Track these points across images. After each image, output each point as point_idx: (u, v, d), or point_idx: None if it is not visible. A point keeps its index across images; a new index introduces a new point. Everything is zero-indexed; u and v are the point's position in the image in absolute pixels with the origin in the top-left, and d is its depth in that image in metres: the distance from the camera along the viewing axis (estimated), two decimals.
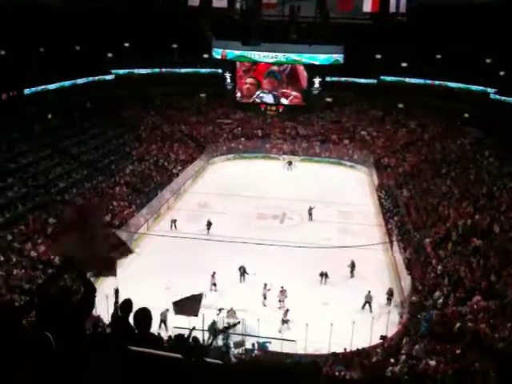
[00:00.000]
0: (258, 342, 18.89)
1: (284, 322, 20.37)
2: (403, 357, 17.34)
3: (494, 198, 28.27)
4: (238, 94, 50.08)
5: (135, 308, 4.50)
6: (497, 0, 37.71)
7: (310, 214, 31.80)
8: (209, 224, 29.40)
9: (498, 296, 19.55)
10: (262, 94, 50.38)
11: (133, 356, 2.92)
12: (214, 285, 23.21)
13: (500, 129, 38.41)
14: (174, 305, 18.66)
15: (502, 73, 42.04)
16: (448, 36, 40.82)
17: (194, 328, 11.30)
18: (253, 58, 47.90)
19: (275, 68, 49.10)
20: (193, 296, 18.94)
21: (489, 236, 24.32)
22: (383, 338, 19.60)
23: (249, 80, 49.84)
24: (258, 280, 23.09)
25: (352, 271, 24.79)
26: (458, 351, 16.87)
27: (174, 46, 49.99)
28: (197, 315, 18.61)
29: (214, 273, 23.23)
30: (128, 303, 4.73)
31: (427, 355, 17.25)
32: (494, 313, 18.43)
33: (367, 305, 22.07)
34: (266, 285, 22.35)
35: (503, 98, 41.23)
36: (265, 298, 22.26)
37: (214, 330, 18.97)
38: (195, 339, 15.42)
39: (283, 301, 22.00)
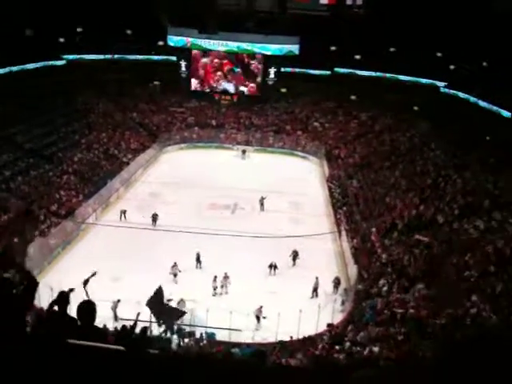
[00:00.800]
0: (206, 332, 18.98)
1: (258, 318, 20.23)
2: (348, 344, 17.80)
3: (439, 189, 29.22)
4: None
5: (82, 299, 4.49)
6: None
7: (262, 205, 31.99)
8: (154, 216, 28.73)
9: (440, 284, 20.30)
10: (224, 84, 50.58)
11: (72, 349, 2.89)
12: (175, 275, 22.92)
13: (449, 122, 39.67)
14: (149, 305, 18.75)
15: (452, 67, 43.28)
16: (401, 29, 41.75)
17: (137, 319, 11.24)
18: (204, 45, 47.72)
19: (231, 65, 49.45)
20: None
21: (433, 226, 25.18)
22: (330, 325, 20.01)
23: (218, 73, 50.00)
24: (208, 270, 23.21)
25: (294, 260, 25.05)
26: (400, 337, 17.45)
27: (129, 31, 48.98)
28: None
29: (175, 263, 22.98)
30: (64, 296, 4.68)
31: (371, 342, 17.77)
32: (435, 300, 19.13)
33: (315, 292, 22.52)
34: (215, 277, 22.46)
35: (453, 91, 42.56)
36: (214, 289, 22.35)
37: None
38: (143, 330, 15.35)
39: (225, 286, 22.31)
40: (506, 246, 20.34)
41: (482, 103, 37.05)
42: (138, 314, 13.68)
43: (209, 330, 19.16)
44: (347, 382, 3.14)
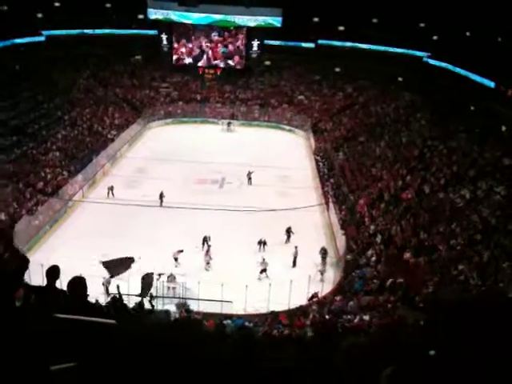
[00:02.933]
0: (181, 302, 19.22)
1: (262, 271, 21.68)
2: (339, 312, 18.11)
3: (425, 159, 29.47)
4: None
5: (72, 275, 4.52)
6: None
7: (250, 179, 31.98)
8: (161, 196, 28.12)
9: (427, 252, 20.65)
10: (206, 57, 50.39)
11: (61, 324, 2.89)
12: (175, 259, 22.25)
13: (432, 93, 39.79)
14: (103, 264, 19.35)
15: (435, 37, 43.20)
16: (383, 0, 41.42)
17: (119, 291, 11.33)
18: (185, 18, 47.02)
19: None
20: (124, 259, 19.37)
21: (419, 196, 25.46)
22: (313, 296, 20.17)
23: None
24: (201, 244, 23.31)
25: (288, 237, 25.00)
26: (389, 306, 17.79)
27: (108, 5, 47.92)
28: (123, 271, 19.27)
29: (181, 250, 22.25)
30: (54, 269, 4.69)
31: (361, 310, 18.11)
32: (423, 269, 19.48)
33: (295, 261, 22.80)
34: (207, 251, 22.61)
35: (436, 62, 42.54)
36: (207, 263, 22.44)
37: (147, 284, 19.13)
38: (140, 304, 15.49)
39: (209, 258, 22.47)
40: (492, 215, 20.70)
41: (465, 73, 37.13)
42: (118, 287, 13.70)
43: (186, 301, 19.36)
44: (339, 348, 3.22)
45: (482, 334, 2.98)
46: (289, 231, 24.94)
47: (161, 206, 27.95)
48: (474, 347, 2.90)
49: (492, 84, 33.50)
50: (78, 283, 4.44)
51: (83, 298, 4.43)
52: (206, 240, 23.59)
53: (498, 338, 2.90)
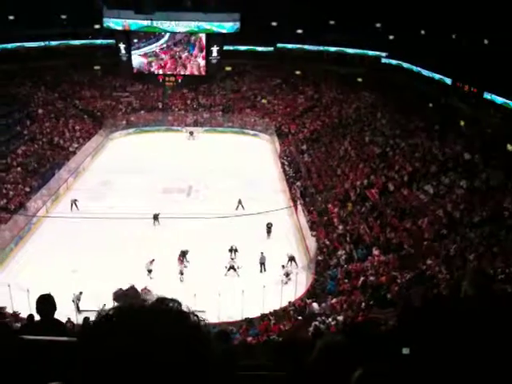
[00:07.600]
0: None
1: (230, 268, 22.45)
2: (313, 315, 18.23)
3: (388, 158, 30.00)
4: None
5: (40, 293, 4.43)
6: None
7: (241, 204, 29.32)
8: (156, 217, 27.06)
9: (395, 249, 21.01)
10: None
11: (26, 345, 2.83)
12: (149, 271, 21.90)
13: (391, 92, 40.56)
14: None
15: (391, 37, 43.97)
16: (339, 2, 41.99)
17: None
18: (142, 27, 46.70)
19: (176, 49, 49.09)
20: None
21: (384, 194, 25.89)
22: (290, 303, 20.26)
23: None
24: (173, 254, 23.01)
25: (269, 233, 25.55)
26: (362, 305, 18.00)
27: (63, 16, 47.13)
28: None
29: (153, 260, 21.98)
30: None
31: (335, 311, 18.27)
32: (392, 266, 19.81)
33: (263, 266, 22.88)
34: (182, 260, 22.42)
35: (393, 61, 43.36)
36: (181, 273, 22.22)
37: None
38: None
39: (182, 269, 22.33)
40: (455, 209, 21.20)
41: (422, 71, 37.97)
42: (104, 306, 13.43)
43: None
44: (313, 351, 3.21)
45: (455, 332, 3.03)
46: (269, 227, 25.37)
47: (156, 225, 27.16)
48: (447, 345, 2.95)
49: (449, 80, 34.34)
50: (46, 301, 4.36)
51: (51, 316, 4.33)
52: (184, 254, 23.09)
53: (469, 336, 2.95)
